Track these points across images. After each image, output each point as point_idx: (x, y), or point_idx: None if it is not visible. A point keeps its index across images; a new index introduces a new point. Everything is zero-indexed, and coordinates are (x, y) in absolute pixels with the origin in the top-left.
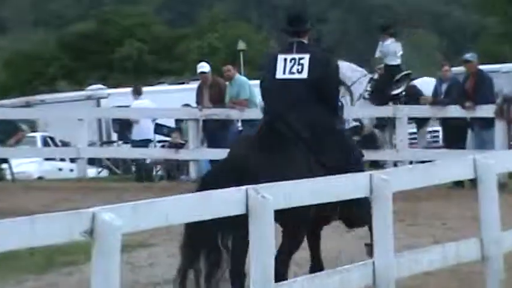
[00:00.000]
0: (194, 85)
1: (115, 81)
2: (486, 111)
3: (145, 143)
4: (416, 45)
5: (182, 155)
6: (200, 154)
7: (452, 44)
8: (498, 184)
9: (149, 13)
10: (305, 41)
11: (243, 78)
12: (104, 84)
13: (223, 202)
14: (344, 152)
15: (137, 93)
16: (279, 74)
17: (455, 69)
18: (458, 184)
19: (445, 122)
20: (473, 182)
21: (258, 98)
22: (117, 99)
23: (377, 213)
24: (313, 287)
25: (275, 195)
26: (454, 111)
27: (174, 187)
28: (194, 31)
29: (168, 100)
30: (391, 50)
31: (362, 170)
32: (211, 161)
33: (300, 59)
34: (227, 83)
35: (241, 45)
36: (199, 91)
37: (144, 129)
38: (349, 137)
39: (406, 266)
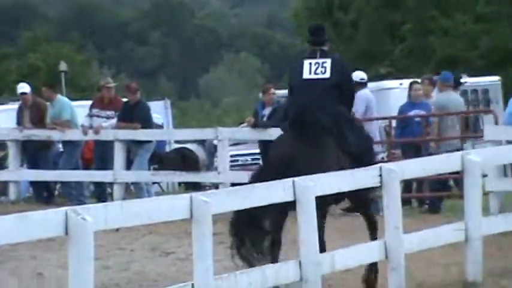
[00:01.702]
0: (14, 106)
1: None
2: None
3: None
4: (238, 69)
5: (2, 176)
6: (20, 175)
7: (274, 67)
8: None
9: None
10: (325, 48)
11: (65, 99)
12: None
13: (42, 223)
14: (361, 140)
15: None
16: (306, 75)
17: (278, 92)
18: None
19: (265, 144)
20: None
21: (79, 119)
22: None
23: (197, 234)
24: None
25: (95, 217)
26: (275, 134)
27: None
28: (15, 51)
29: None
30: None
31: (375, 155)
32: (31, 183)
33: (323, 63)
34: (48, 103)
35: (63, 66)
36: (20, 112)
37: None
38: (361, 127)
39: None
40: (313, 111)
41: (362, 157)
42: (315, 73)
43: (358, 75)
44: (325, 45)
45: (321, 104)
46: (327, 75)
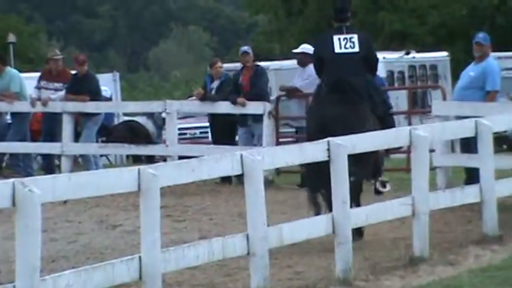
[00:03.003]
0: None
1: None
2: (255, 107)
3: None
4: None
5: None
6: None
7: (223, 41)
8: (265, 181)
9: None
10: (348, 24)
11: (14, 71)
12: None
13: None
14: (384, 103)
15: None
16: (337, 49)
17: (226, 65)
18: (226, 180)
19: (214, 117)
20: (241, 178)
21: (28, 90)
22: None
23: (145, 207)
24: (79, 281)
25: (43, 189)
26: (224, 107)
27: None
28: None
29: None
30: None
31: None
32: None
33: (350, 38)
34: None
35: (11, 37)
36: None
37: None
38: (383, 93)
39: (173, 261)
40: (348, 80)
41: (385, 120)
42: (345, 47)
43: (310, 48)
44: (347, 22)
45: (354, 74)
46: (356, 49)
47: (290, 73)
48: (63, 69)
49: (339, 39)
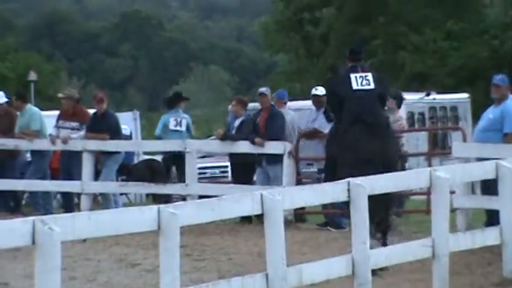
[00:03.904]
0: None
1: None
2: (274, 147)
3: None
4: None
5: None
6: None
7: (243, 80)
8: (285, 220)
9: None
10: (362, 63)
11: (35, 108)
12: None
13: (9, 233)
14: (396, 139)
15: None
16: (355, 86)
17: (251, 104)
18: (246, 219)
19: (234, 157)
20: (261, 218)
21: (48, 129)
22: None
23: (164, 246)
24: None
25: (63, 227)
26: (243, 147)
27: None
28: None
29: None
30: None
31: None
32: None
33: (365, 76)
34: (18, 113)
35: (33, 75)
36: None
37: None
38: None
39: None
40: (368, 114)
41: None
42: (362, 84)
43: (323, 90)
44: (361, 61)
45: (373, 110)
46: (372, 86)
47: (311, 113)
48: (79, 108)
49: (356, 77)
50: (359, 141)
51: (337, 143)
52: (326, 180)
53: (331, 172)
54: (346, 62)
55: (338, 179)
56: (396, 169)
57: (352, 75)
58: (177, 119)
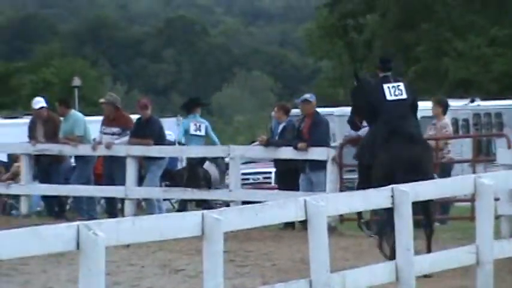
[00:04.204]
0: (27, 120)
1: None
2: (318, 153)
3: None
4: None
5: (13, 189)
6: (32, 189)
7: (287, 86)
8: (328, 227)
9: None
10: (390, 73)
11: (78, 114)
12: None
13: (54, 238)
14: (431, 149)
15: None
16: (389, 97)
17: (295, 111)
18: (289, 225)
19: (278, 163)
20: (304, 224)
21: (91, 134)
22: None
23: (208, 252)
24: None
25: (107, 232)
26: (287, 153)
27: (4, 222)
28: (29, 65)
29: (1, 134)
30: None
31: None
32: (43, 197)
33: (397, 86)
34: (61, 118)
35: (77, 81)
36: (33, 126)
37: None
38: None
39: None
40: (404, 124)
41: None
42: (395, 94)
43: None
44: (390, 71)
45: (408, 119)
46: (404, 96)
47: None
48: (120, 114)
49: (388, 87)
50: (399, 151)
51: (373, 152)
52: (358, 188)
53: (366, 180)
54: (376, 72)
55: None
56: (432, 174)
57: (385, 86)
58: (196, 124)
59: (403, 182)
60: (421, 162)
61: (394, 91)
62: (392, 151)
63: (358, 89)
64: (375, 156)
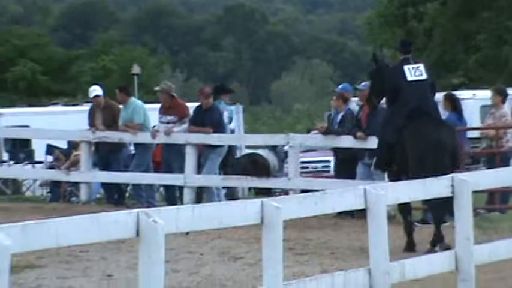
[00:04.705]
0: (87, 107)
1: (7, 101)
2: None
3: None
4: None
5: (73, 177)
6: (92, 177)
7: (346, 74)
8: (387, 215)
9: (44, 34)
10: (411, 56)
11: (138, 102)
12: None
13: (114, 225)
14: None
15: None
16: (409, 77)
17: (355, 99)
18: (348, 214)
19: (337, 151)
20: (363, 213)
21: (151, 122)
22: (10, 119)
23: (267, 240)
24: None
25: (166, 220)
26: (346, 141)
27: (64, 209)
28: (88, 53)
29: (62, 121)
30: None
31: None
32: (102, 184)
33: (418, 67)
34: (121, 106)
35: (136, 69)
36: (92, 113)
37: None
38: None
39: None
40: (425, 103)
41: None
42: (415, 75)
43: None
44: (411, 53)
45: (427, 100)
46: (424, 76)
47: None
48: (176, 102)
49: (409, 68)
50: (424, 129)
51: (396, 130)
52: (376, 164)
53: (385, 157)
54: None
55: (398, 165)
56: (459, 153)
57: (406, 67)
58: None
59: (435, 164)
60: (446, 139)
61: (414, 72)
62: (421, 134)
63: (376, 71)
64: (400, 135)
